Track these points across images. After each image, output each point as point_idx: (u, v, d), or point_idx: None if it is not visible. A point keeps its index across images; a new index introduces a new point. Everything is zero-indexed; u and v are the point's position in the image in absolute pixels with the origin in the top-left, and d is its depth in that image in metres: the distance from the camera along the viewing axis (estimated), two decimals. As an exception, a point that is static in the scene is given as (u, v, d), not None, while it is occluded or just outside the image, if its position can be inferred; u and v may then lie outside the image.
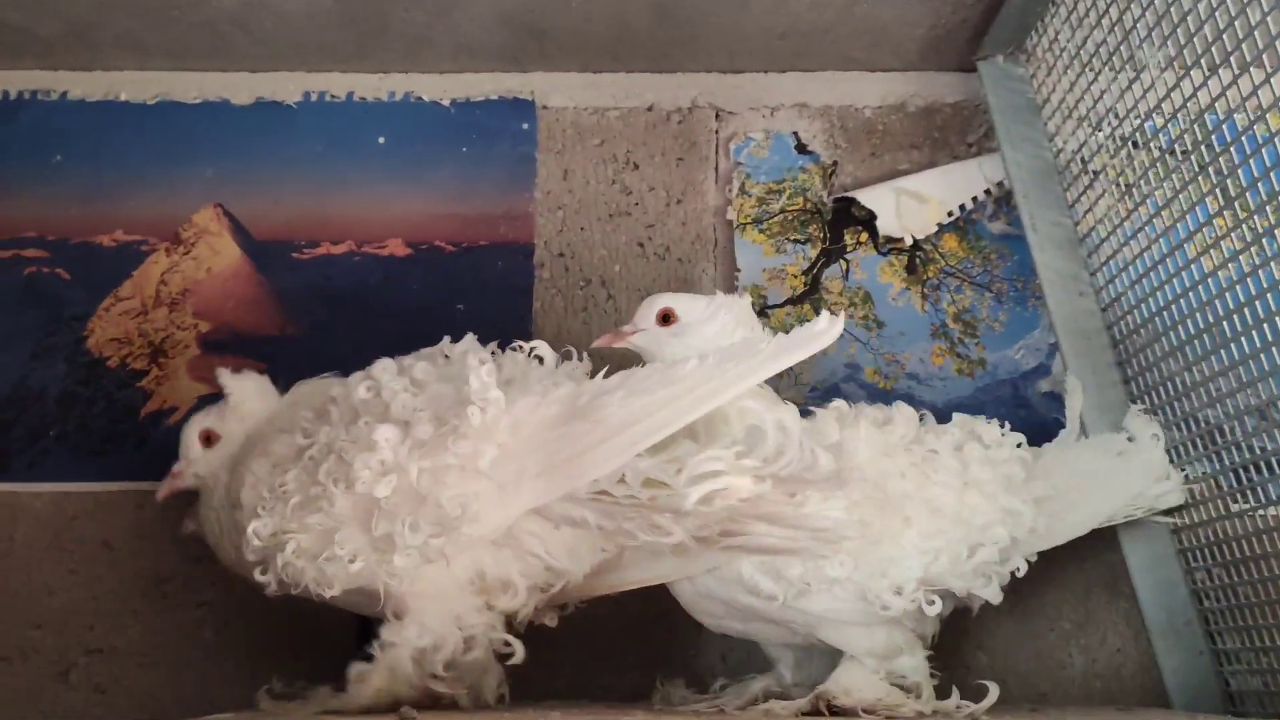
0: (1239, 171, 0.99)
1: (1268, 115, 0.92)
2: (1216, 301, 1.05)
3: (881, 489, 1.02)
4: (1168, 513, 1.19)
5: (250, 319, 1.40)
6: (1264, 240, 0.97)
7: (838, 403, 1.11)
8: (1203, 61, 1.01)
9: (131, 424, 1.35)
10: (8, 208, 1.41)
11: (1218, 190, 1.03)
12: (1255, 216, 0.98)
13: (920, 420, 1.10)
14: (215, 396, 1.35)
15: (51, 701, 1.29)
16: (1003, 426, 1.13)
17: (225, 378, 1.16)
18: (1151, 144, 1.15)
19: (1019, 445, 1.11)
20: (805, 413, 1.13)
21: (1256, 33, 0.91)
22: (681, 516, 0.91)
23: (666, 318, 1.11)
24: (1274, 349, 0.97)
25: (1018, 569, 1.08)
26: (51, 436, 1.35)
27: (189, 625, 1.31)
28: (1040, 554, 1.27)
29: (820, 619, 1.03)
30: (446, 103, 1.47)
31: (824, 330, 0.93)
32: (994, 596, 1.04)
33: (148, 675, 1.30)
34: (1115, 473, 1.16)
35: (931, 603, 1.01)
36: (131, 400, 1.36)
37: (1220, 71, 0.99)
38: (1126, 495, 1.15)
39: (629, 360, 1.09)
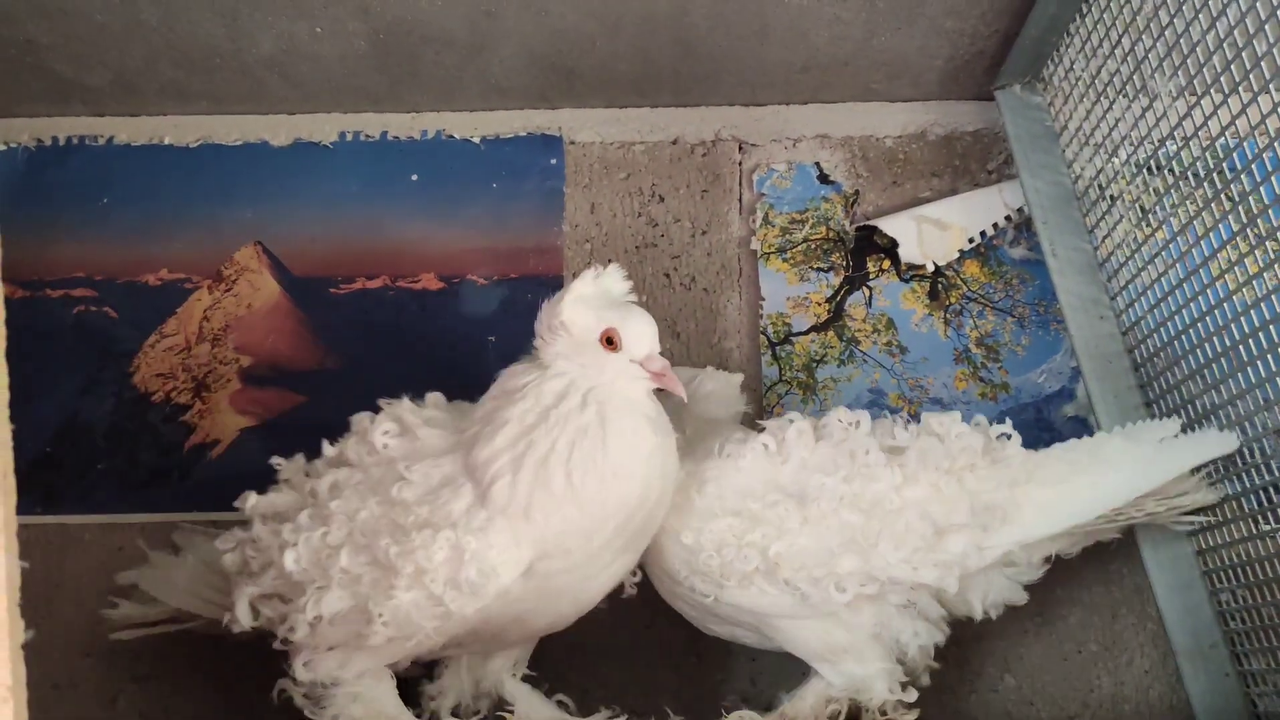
0: (1249, 197, 1.01)
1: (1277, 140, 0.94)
2: (1233, 325, 1.07)
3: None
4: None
5: (290, 353, 1.44)
6: (1280, 263, 0.99)
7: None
8: (1212, 89, 1.03)
9: (176, 457, 1.40)
10: (58, 249, 1.47)
11: (1230, 215, 1.05)
12: (1268, 241, 0.99)
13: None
14: (257, 429, 1.40)
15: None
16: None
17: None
18: (1166, 169, 1.16)
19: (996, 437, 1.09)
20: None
21: (1263, 62, 0.93)
22: None
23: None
24: (1291, 372, 0.99)
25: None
26: (99, 470, 1.39)
27: (234, 652, 1.34)
28: (1067, 577, 1.29)
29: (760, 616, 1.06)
30: (477, 140, 1.52)
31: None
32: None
33: (193, 703, 1.34)
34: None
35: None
36: (176, 434, 1.41)
37: (1230, 99, 1.01)
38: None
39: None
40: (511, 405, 1.00)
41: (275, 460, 1.12)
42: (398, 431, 1.06)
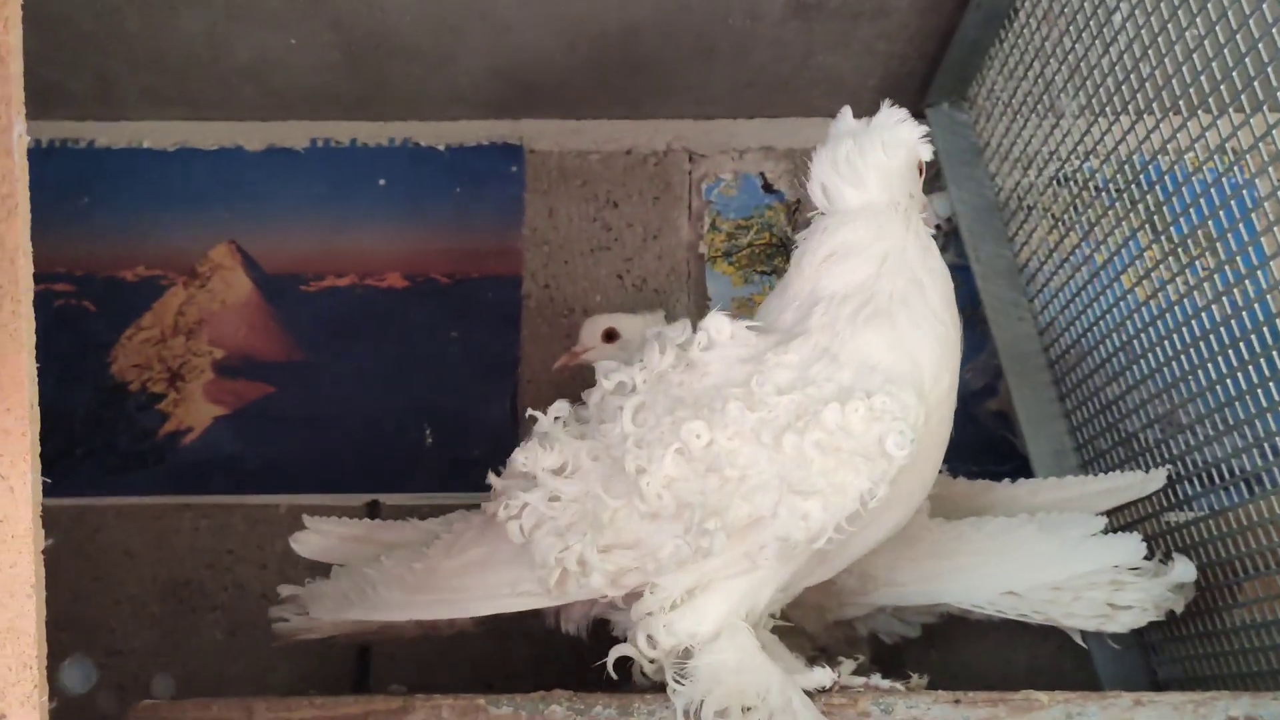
0: (1135, 205, 1.12)
1: (1150, 148, 1.05)
2: (1128, 321, 1.17)
3: None
4: None
5: (261, 346, 1.52)
6: (1169, 260, 1.09)
7: None
8: (1107, 109, 1.14)
9: (151, 443, 1.47)
10: (40, 247, 1.48)
11: (1125, 220, 1.16)
12: (1147, 241, 1.10)
13: None
14: (229, 417, 1.48)
15: (77, 700, 1.39)
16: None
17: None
18: (1073, 182, 1.27)
19: None
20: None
21: (1147, 84, 1.04)
22: None
23: (610, 335, 1.27)
24: (1174, 363, 1.09)
25: None
26: (77, 455, 1.46)
27: (203, 628, 1.42)
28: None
29: None
30: (442, 148, 1.60)
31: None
32: None
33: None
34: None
35: None
36: (151, 421, 1.48)
37: (1121, 118, 1.12)
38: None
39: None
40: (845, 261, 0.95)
41: (532, 413, 0.94)
42: (706, 343, 0.90)
